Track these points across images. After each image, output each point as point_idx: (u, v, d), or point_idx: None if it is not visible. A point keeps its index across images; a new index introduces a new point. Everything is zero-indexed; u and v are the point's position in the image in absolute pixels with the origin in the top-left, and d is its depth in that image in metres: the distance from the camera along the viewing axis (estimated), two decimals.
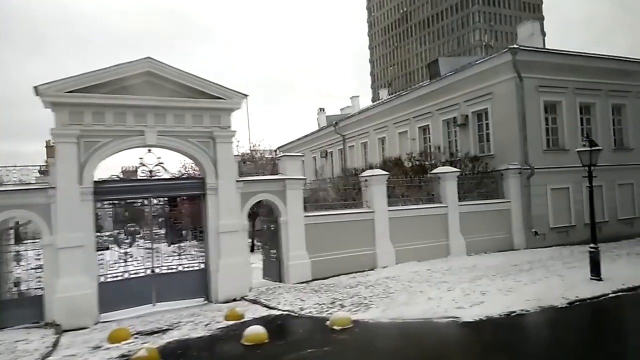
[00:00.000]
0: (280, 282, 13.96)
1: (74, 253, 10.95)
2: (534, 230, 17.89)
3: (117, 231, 13.14)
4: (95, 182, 11.62)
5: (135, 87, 11.79)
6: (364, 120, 29.63)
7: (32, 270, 11.24)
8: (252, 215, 20.55)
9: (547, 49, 20.66)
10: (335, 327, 9.15)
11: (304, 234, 14.08)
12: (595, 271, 11.59)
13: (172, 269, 12.61)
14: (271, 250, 14.73)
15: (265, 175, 14.38)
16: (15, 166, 11.29)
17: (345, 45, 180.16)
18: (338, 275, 14.33)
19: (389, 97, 33.00)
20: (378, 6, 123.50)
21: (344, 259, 14.59)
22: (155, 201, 12.94)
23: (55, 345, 9.41)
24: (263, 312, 11.05)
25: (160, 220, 14.17)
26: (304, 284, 13.52)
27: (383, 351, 8.06)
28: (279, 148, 38.83)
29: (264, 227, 15.75)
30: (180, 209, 15.87)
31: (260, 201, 14.00)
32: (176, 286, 12.30)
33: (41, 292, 11.02)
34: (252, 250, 22.57)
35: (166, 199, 13.33)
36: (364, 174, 16.45)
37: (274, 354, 8.12)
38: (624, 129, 21.34)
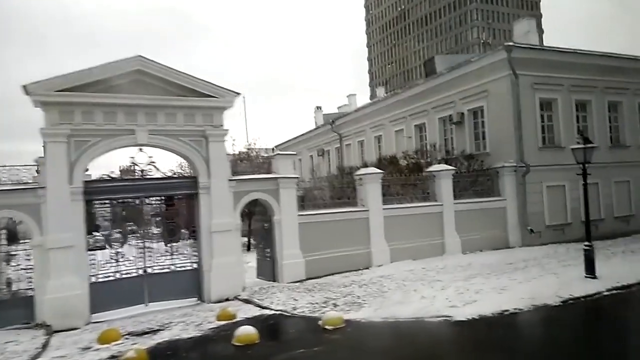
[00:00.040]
0: (274, 281, 13.89)
1: (64, 253, 10.86)
2: (529, 228, 17.83)
3: (107, 231, 13.06)
4: (85, 181, 11.53)
5: (126, 85, 11.68)
6: (361, 119, 29.55)
7: (23, 271, 11.14)
8: (248, 214, 20.46)
9: (543, 47, 20.62)
10: (327, 327, 9.08)
11: (298, 233, 14.00)
12: (590, 269, 11.53)
13: (164, 268, 12.52)
14: (265, 250, 14.65)
15: (262, 174, 14.29)
16: (5, 166, 11.18)
17: (345, 43, 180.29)
18: (332, 274, 14.25)
19: (385, 95, 32.90)
20: (376, 4, 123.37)
21: (338, 258, 14.52)
22: (151, 200, 12.89)
23: (45, 346, 9.33)
24: (255, 311, 10.98)
25: (157, 219, 14.09)
26: (297, 283, 13.44)
27: (374, 351, 7.99)
28: (276, 146, 38.72)
29: (259, 226, 15.66)
30: (177, 208, 15.75)
31: (256, 200, 13.92)
32: (169, 286, 12.21)
33: (32, 293, 10.92)
34: (248, 249, 22.52)
35: (163, 198, 13.25)
36: (359, 172, 16.38)
37: (264, 354, 8.05)
38: (620, 127, 21.28)
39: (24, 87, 10.66)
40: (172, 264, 12.68)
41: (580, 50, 19.76)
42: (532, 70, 18.21)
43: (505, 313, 9.28)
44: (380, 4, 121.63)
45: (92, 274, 11.61)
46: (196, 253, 12.86)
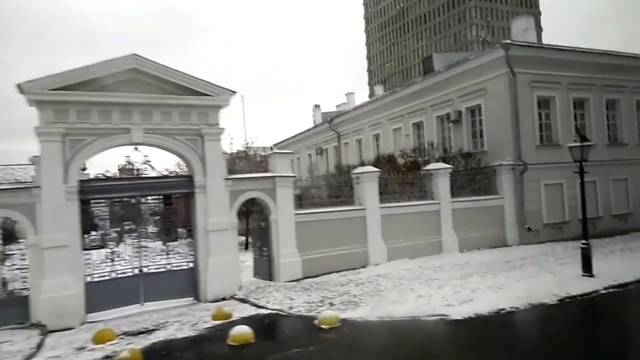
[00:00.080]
0: (271, 280, 13.84)
1: (59, 253, 10.80)
2: (527, 226, 17.80)
3: (103, 230, 13.02)
4: (80, 181, 11.48)
5: (121, 84, 11.61)
6: (359, 117, 29.49)
7: (18, 271, 11.10)
8: (246, 213, 20.42)
9: (540, 44, 20.56)
10: (323, 326, 9.05)
11: (295, 231, 13.95)
12: (587, 267, 11.50)
13: (160, 268, 12.47)
14: (262, 249, 14.61)
15: (259, 173, 14.26)
16: None
17: (344, 42, 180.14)
18: (329, 273, 14.22)
19: (383, 93, 32.84)
20: (374, 2, 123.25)
21: (335, 257, 14.48)
22: (149, 199, 12.85)
23: (39, 346, 9.30)
24: (252, 311, 10.93)
25: (155, 218, 14.04)
26: (294, 282, 13.40)
27: (369, 350, 7.95)
28: (274, 145, 38.67)
29: (256, 224, 15.61)
30: (175, 207, 15.70)
31: (253, 199, 13.88)
32: (164, 285, 12.15)
33: (27, 293, 10.88)
34: (246, 248, 22.48)
35: (161, 197, 13.20)
36: (356, 170, 16.33)
37: (259, 354, 8.01)
38: (618, 124, 21.24)
39: (19, 85, 10.59)
40: (168, 264, 12.63)
41: (578, 48, 19.71)
42: (529, 68, 18.16)
43: (502, 312, 9.25)
44: (379, 2, 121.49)
45: (87, 274, 11.56)
46: (192, 252, 12.81)
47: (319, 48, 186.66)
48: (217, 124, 12.80)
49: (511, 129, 17.94)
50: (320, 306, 10.56)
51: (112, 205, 12.77)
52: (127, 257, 12.32)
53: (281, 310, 10.60)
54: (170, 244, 13.95)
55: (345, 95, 38.35)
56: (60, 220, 10.87)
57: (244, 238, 23.50)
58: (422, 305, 9.95)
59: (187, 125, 12.40)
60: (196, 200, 12.52)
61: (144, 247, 12.60)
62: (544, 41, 52.56)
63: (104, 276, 11.85)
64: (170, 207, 14.28)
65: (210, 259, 12.36)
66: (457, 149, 20.02)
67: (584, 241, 11.62)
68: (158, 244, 14.12)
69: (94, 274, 11.74)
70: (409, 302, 10.21)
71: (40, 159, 10.97)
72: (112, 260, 12.02)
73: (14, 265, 11.22)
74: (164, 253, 12.81)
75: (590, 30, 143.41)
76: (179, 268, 12.68)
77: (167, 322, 10.38)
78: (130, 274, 12.15)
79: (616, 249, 15.46)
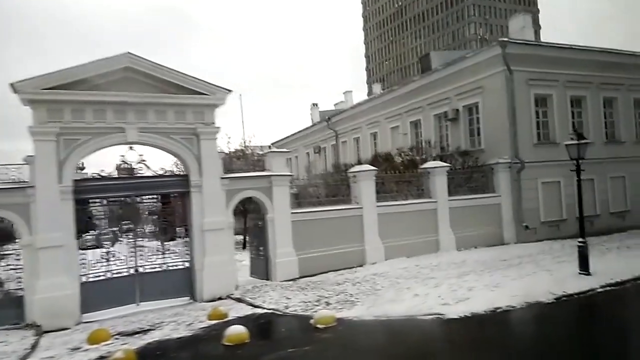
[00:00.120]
0: (268, 279, 13.81)
1: (54, 253, 10.76)
2: (524, 224, 17.77)
3: (98, 230, 12.97)
4: (75, 180, 11.42)
5: (115, 83, 11.58)
6: (357, 116, 29.44)
7: (12, 271, 11.05)
8: (244, 212, 20.36)
9: (537, 42, 20.53)
10: (318, 326, 9.02)
11: (291, 230, 13.91)
12: (584, 266, 11.47)
13: (156, 267, 12.42)
14: (258, 248, 14.57)
15: (257, 171, 14.19)
16: None
17: (343, 40, 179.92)
18: (326, 272, 14.17)
19: (381, 92, 32.79)
20: (373, 0, 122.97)
21: (332, 256, 14.43)
22: (147, 198, 12.80)
23: (34, 346, 9.26)
24: (248, 310, 10.90)
25: (153, 218, 14.00)
26: (291, 282, 13.37)
27: (364, 350, 7.91)
28: (273, 144, 38.58)
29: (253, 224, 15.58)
30: (173, 206, 15.65)
31: (251, 198, 13.83)
32: (160, 285, 12.12)
33: (22, 293, 10.83)
34: (243, 247, 22.43)
35: (157, 196, 13.15)
36: (352, 169, 16.29)
37: (254, 354, 7.99)
38: (616, 122, 21.20)
39: (12, 85, 10.56)
40: (164, 263, 12.59)
41: (575, 45, 19.68)
42: (527, 66, 18.12)
43: (498, 310, 9.23)
44: (377, 0, 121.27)
45: (82, 274, 11.52)
46: (188, 252, 12.76)
47: (317, 47, 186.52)
48: (213, 123, 12.75)
49: (508, 127, 17.90)
50: (317, 305, 10.53)
51: (107, 205, 12.71)
52: (122, 257, 12.26)
53: (277, 310, 10.57)
54: (167, 243, 13.93)
55: (343, 93, 38.30)
56: (54, 220, 10.83)
57: (241, 237, 23.46)
58: (419, 304, 9.92)
59: (182, 124, 12.35)
60: (192, 200, 12.48)
61: (140, 246, 12.55)
62: (542, 39, 52.67)
63: (100, 276, 11.81)
64: (168, 207, 14.26)
65: (207, 258, 12.32)
66: (455, 147, 19.99)
67: (580, 239, 11.59)
68: (156, 244, 14.06)
69: (90, 273, 11.69)
70: (406, 301, 10.18)
71: (35, 159, 10.93)
72: (108, 260, 11.96)
73: (8, 265, 11.15)
74: (159, 252, 12.76)
75: (589, 28, 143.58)
76: (175, 268, 12.64)
77: (162, 322, 10.34)
78: (125, 273, 12.10)
79: (613, 247, 15.44)
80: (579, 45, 19.79)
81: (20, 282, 10.93)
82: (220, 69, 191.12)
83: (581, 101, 20.10)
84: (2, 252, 11.65)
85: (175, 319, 10.54)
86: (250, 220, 17.25)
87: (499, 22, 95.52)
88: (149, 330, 9.84)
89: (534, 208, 18.15)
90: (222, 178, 12.81)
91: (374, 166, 16.73)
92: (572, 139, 11.72)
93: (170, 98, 12.09)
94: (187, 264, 12.67)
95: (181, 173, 13.13)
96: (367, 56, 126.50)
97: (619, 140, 21.06)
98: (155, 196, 13.06)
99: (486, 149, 18.84)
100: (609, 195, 20.17)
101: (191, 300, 12.36)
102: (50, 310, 10.43)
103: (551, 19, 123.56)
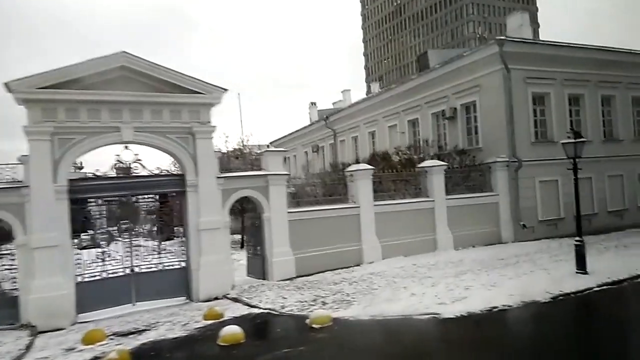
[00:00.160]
0: (264, 279, 13.76)
1: (49, 253, 10.69)
2: (522, 223, 17.74)
3: (94, 230, 12.93)
4: (70, 180, 11.36)
5: (110, 82, 11.49)
6: (355, 114, 29.38)
7: (7, 271, 10.99)
8: (242, 212, 20.29)
9: (535, 40, 20.46)
10: (314, 326, 8.99)
11: (288, 230, 13.86)
12: (581, 265, 11.45)
13: (152, 267, 12.36)
14: (255, 247, 14.53)
15: (254, 171, 14.14)
16: None
17: (342, 39, 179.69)
18: (323, 271, 14.12)
19: (379, 90, 32.73)
20: None
21: (329, 255, 14.39)
22: (146, 198, 12.74)
23: (28, 347, 9.21)
24: (244, 310, 10.86)
25: (151, 217, 13.94)
26: (287, 281, 13.33)
27: (359, 350, 7.87)
28: (271, 143, 38.52)
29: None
30: (171, 206, 15.59)
31: (248, 197, 13.78)
32: (156, 285, 12.05)
33: (17, 293, 10.78)
34: (241, 246, 22.37)
35: (152, 195, 13.09)
36: (349, 168, 16.25)
37: (249, 354, 7.96)
38: (614, 120, 21.17)
39: (6, 84, 10.47)
40: (160, 263, 12.53)
41: (573, 43, 19.63)
42: (524, 64, 18.07)
43: (494, 310, 9.20)
44: None
45: (78, 274, 11.46)
46: (184, 251, 12.71)
47: (316, 46, 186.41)
48: (209, 122, 12.68)
49: (506, 125, 17.86)
50: (313, 305, 10.49)
51: (103, 205, 12.64)
52: (118, 257, 12.21)
53: (273, 310, 10.53)
54: (165, 243, 13.89)
55: (342, 92, 38.16)
56: (50, 220, 10.76)
57: (239, 236, 23.42)
58: (415, 303, 9.89)
59: (178, 123, 12.28)
60: (188, 199, 12.42)
61: (136, 246, 12.49)
62: (541, 37, 52.57)
63: (95, 276, 11.74)
64: (166, 206, 14.21)
65: (203, 258, 12.26)
66: (452, 146, 19.95)
67: (577, 238, 11.57)
68: (152, 243, 14.03)
69: (85, 273, 11.64)
70: (402, 301, 10.15)
71: (29, 158, 10.86)
72: (103, 260, 11.91)
73: (2, 265, 11.09)
74: (155, 252, 12.70)
75: (588, 26, 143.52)
76: (171, 267, 12.58)
77: (158, 322, 10.30)
78: (121, 273, 12.04)
79: (611, 246, 15.43)
80: (577, 44, 19.75)
81: (15, 282, 10.87)
82: (220, 69, 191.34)
83: (579, 99, 20.06)
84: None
85: (170, 319, 10.50)
86: (247, 219, 17.20)
87: (498, 20, 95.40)
88: (144, 330, 9.79)
89: (531, 207, 18.12)
90: (218, 177, 12.75)
91: (371, 165, 16.69)
92: (569, 137, 11.69)
93: (166, 97, 12.02)
94: (183, 264, 12.61)
95: (177, 172, 13.06)
96: (365, 55, 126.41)
97: (617, 138, 21.03)
98: (151, 196, 12.98)
99: (484, 148, 18.80)
100: (607, 194, 20.14)
101: (187, 300, 12.31)
102: (46, 311, 10.37)
103: (550, 17, 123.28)
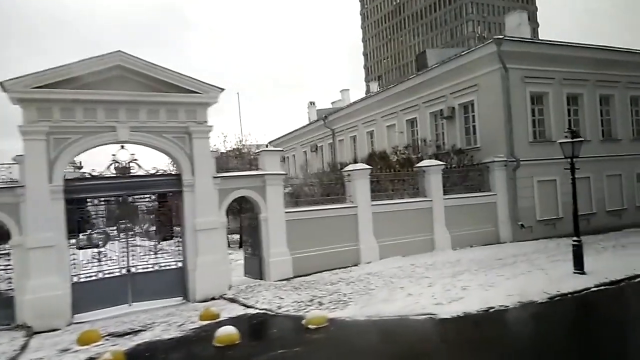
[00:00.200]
0: (261, 279, 13.73)
1: (44, 253, 10.66)
2: (520, 223, 17.71)
3: (90, 231, 12.88)
4: (66, 180, 11.32)
5: (106, 81, 11.47)
6: (353, 114, 29.32)
7: (2, 272, 10.95)
8: (240, 211, 20.24)
9: (533, 39, 20.42)
10: (310, 326, 8.93)
11: (285, 230, 13.82)
12: (579, 265, 11.41)
13: (148, 268, 12.32)
14: (252, 247, 14.49)
15: (253, 170, 14.10)
16: None
17: (342, 39, 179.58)
18: (320, 271, 14.10)
19: (377, 90, 32.68)
20: None
21: (326, 255, 14.35)
22: (144, 198, 12.70)
23: (23, 348, 9.18)
24: (240, 311, 10.82)
25: (150, 217, 13.90)
26: (284, 281, 13.29)
27: (355, 350, 7.82)
28: (270, 142, 38.44)
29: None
30: (170, 206, 15.52)
31: (246, 197, 13.75)
32: (153, 285, 12.02)
33: (13, 293, 10.74)
34: (240, 246, 22.32)
35: (147, 195, 13.04)
36: (347, 168, 16.20)
37: (244, 355, 7.92)
38: (612, 120, 21.13)
39: (1, 84, 10.44)
40: (156, 263, 12.49)
41: (571, 43, 19.59)
42: (522, 63, 18.03)
43: (491, 310, 9.14)
44: None
45: (74, 274, 11.43)
46: (181, 251, 12.67)
47: (316, 45, 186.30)
48: (205, 122, 12.65)
49: (504, 125, 17.82)
50: (310, 305, 10.45)
51: (100, 204, 12.59)
52: (114, 257, 12.17)
53: (269, 310, 10.49)
54: (162, 243, 13.84)
55: (340, 92, 38.16)
56: (45, 220, 10.72)
57: (238, 236, 23.38)
58: (411, 304, 9.84)
59: (174, 122, 12.25)
60: (184, 199, 12.39)
61: (135, 246, 12.45)
62: (541, 37, 52.54)
63: (91, 276, 11.70)
64: (164, 206, 14.15)
65: (199, 258, 12.23)
66: (451, 146, 19.90)
67: (575, 238, 11.53)
68: (149, 243, 13.97)
69: (81, 274, 11.60)
70: (398, 301, 10.10)
71: (25, 158, 10.82)
72: (99, 260, 11.86)
73: None
74: (152, 252, 12.66)
75: (589, 27, 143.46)
76: (168, 268, 12.54)
77: (154, 323, 10.25)
78: (118, 274, 12.00)
79: (609, 246, 15.39)
80: (575, 43, 19.71)
81: (10, 282, 10.83)
82: (219, 69, 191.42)
83: (577, 99, 20.02)
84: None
85: (166, 320, 10.46)
86: (244, 219, 17.17)
87: (497, 19, 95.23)
88: (140, 331, 9.75)
89: (529, 206, 18.09)
90: (215, 177, 12.72)
91: (369, 165, 16.66)
92: (566, 137, 11.65)
93: (162, 96, 11.98)
94: (179, 264, 12.57)
95: (174, 172, 13.01)
96: (365, 54, 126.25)
97: (616, 138, 20.99)
98: (148, 196, 12.93)
99: (482, 147, 18.76)
100: (606, 194, 20.11)
101: (184, 301, 12.27)
102: (41, 311, 10.34)
103: (550, 16, 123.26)
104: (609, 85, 20.60)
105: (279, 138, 40.62)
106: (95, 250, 12.15)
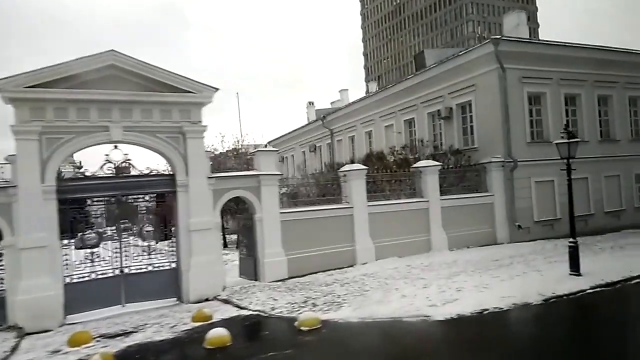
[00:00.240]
0: (256, 280, 13.65)
1: (37, 254, 10.58)
2: (517, 224, 17.61)
3: (81, 232, 12.79)
4: (58, 180, 11.25)
5: (99, 81, 11.38)
6: (352, 114, 29.25)
7: None
8: (238, 212, 20.17)
9: (530, 40, 20.33)
10: (302, 328, 8.85)
11: (280, 230, 13.74)
12: (575, 266, 11.32)
13: (142, 268, 12.25)
14: (247, 248, 14.41)
15: (251, 170, 14.04)
16: None
17: (343, 39, 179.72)
18: (316, 272, 14.00)
19: (375, 90, 32.61)
20: None
21: (322, 256, 14.27)
22: (140, 198, 12.64)
23: (14, 349, 9.10)
24: (233, 312, 10.74)
25: (147, 216, 13.79)
26: (279, 282, 13.20)
27: (346, 352, 7.73)
28: (269, 142, 38.36)
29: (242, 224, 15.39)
30: (169, 205, 15.42)
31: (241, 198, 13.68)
32: (146, 286, 11.95)
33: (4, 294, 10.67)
34: (237, 246, 22.24)
35: (150, 195, 12.99)
36: (343, 168, 16.12)
37: (234, 357, 7.87)
38: (610, 120, 21.04)
39: None
40: (150, 264, 12.42)
41: (569, 43, 19.50)
42: (520, 63, 17.94)
43: (485, 312, 9.05)
44: None
45: (66, 274, 11.35)
46: (175, 252, 12.60)
47: (317, 45, 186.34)
48: (200, 122, 12.57)
49: (501, 125, 17.73)
50: (303, 307, 10.37)
51: (94, 205, 12.54)
52: (107, 258, 12.10)
53: (263, 312, 10.41)
54: (157, 243, 13.73)
55: (339, 92, 38.05)
56: (37, 221, 10.64)
57: (235, 236, 23.30)
58: (406, 305, 9.77)
59: (168, 122, 12.17)
60: (178, 199, 12.31)
61: (126, 246, 12.36)
62: (541, 37, 52.42)
63: (84, 277, 11.63)
64: (162, 206, 14.06)
65: (193, 259, 12.15)
66: (448, 146, 19.82)
67: (571, 239, 11.44)
68: (149, 243, 13.86)
69: (73, 274, 11.53)
70: (393, 303, 10.03)
71: (17, 158, 10.75)
72: (92, 261, 11.79)
73: None
74: (145, 253, 12.59)
75: (589, 27, 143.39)
76: (161, 268, 12.47)
77: (146, 324, 10.16)
78: (111, 274, 11.93)
79: (606, 247, 15.31)
80: (573, 43, 19.62)
81: (2, 283, 10.76)
82: (219, 69, 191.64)
83: (575, 99, 19.93)
84: None
85: (159, 321, 10.38)
86: (239, 219, 17.10)
87: (497, 20, 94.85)
88: (131, 332, 9.66)
89: (527, 207, 17.99)
90: (209, 177, 12.64)
91: (367, 165, 16.59)
92: (562, 137, 11.57)
93: (156, 96, 11.90)
94: (173, 265, 12.50)
95: (167, 172, 12.93)
96: (365, 54, 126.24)
97: (614, 138, 20.90)
98: (147, 195, 12.85)
99: (479, 148, 18.69)
100: (604, 195, 20.01)
101: (178, 302, 12.20)
102: (33, 312, 10.27)
103: (550, 16, 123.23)
104: (607, 86, 20.51)
105: (277, 138, 40.54)
106: (89, 250, 12.05)
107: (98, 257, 11.96)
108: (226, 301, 11.70)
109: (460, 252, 15.94)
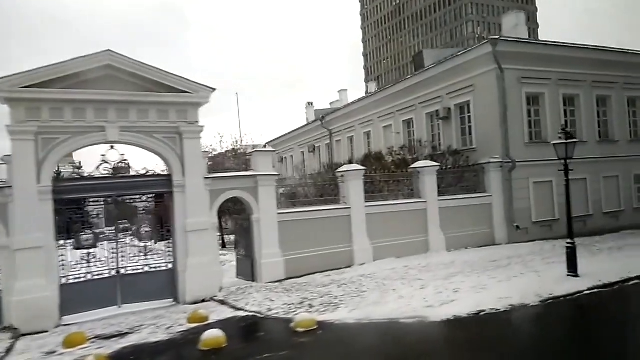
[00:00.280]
0: (253, 281, 13.60)
1: (32, 254, 10.53)
2: (516, 224, 17.57)
3: (78, 233, 12.75)
4: (54, 180, 11.21)
5: (96, 81, 11.35)
6: (350, 115, 29.21)
7: None
8: (235, 212, 20.12)
9: (529, 40, 20.30)
10: (298, 330, 8.81)
11: (277, 231, 13.69)
12: (572, 267, 11.28)
13: (138, 269, 12.21)
14: (244, 249, 14.37)
15: (249, 170, 14.00)
16: None
17: (343, 39, 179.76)
18: (313, 273, 13.97)
19: (374, 90, 32.58)
20: None
21: (319, 257, 14.22)
22: (137, 199, 12.60)
23: (9, 350, 9.07)
24: (229, 313, 10.70)
25: (149, 217, 13.77)
26: (276, 283, 13.16)
27: (342, 354, 7.70)
28: (268, 143, 38.33)
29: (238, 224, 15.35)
30: (166, 205, 15.34)
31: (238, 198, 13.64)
32: (143, 287, 11.89)
33: None
34: (236, 247, 22.18)
35: (153, 195, 12.94)
36: (340, 169, 16.08)
37: (230, 359, 7.82)
38: (609, 121, 20.99)
39: None
40: (146, 265, 12.37)
41: (568, 43, 19.46)
42: (518, 64, 17.90)
43: (482, 313, 9.01)
44: None
45: (62, 275, 11.31)
46: (171, 253, 12.55)
47: (317, 46, 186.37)
48: (197, 122, 12.53)
49: (500, 125, 17.69)
50: (300, 308, 10.34)
51: (91, 205, 12.50)
52: (103, 258, 12.06)
53: (259, 313, 10.37)
54: (161, 243, 13.67)
55: (338, 92, 38.01)
56: (33, 221, 10.61)
57: (233, 237, 23.24)
58: (402, 306, 9.74)
59: (165, 123, 12.13)
60: (175, 200, 12.27)
61: (122, 247, 12.32)
62: (541, 37, 52.39)
63: (80, 278, 11.58)
64: (161, 206, 14.00)
65: (190, 259, 12.11)
66: (447, 147, 19.78)
67: (569, 240, 11.41)
68: (148, 244, 13.82)
69: (69, 275, 11.48)
70: (389, 304, 10.00)
71: (12, 158, 10.71)
72: (88, 262, 11.74)
73: None
74: (142, 254, 12.54)
75: (588, 27, 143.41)
76: (158, 269, 12.42)
77: (142, 325, 10.12)
78: (107, 275, 11.88)
79: (605, 248, 15.27)
80: (572, 43, 19.58)
81: None
82: (219, 69, 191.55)
83: (574, 100, 19.89)
84: None
85: (155, 322, 10.34)
86: (236, 220, 17.06)
87: (497, 20, 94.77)
88: (127, 333, 9.62)
89: (525, 208, 17.95)
90: (206, 178, 12.60)
91: (365, 166, 16.54)
92: (560, 137, 11.54)
93: (152, 96, 11.87)
94: (170, 266, 12.46)
95: (164, 173, 12.90)
96: (365, 55, 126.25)
97: (613, 139, 20.86)
98: (146, 195, 12.80)
99: (478, 148, 18.65)
100: (602, 195, 19.96)
101: (174, 303, 12.15)
102: (28, 313, 10.22)
103: (549, 16, 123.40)
104: (605, 86, 20.47)
105: (277, 138, 40.50)
106: (85, 251, 12.01)
107: (94, 257, 11.90)
108: (222, 302, 11.66)
109: (458, 252, 15.90)
